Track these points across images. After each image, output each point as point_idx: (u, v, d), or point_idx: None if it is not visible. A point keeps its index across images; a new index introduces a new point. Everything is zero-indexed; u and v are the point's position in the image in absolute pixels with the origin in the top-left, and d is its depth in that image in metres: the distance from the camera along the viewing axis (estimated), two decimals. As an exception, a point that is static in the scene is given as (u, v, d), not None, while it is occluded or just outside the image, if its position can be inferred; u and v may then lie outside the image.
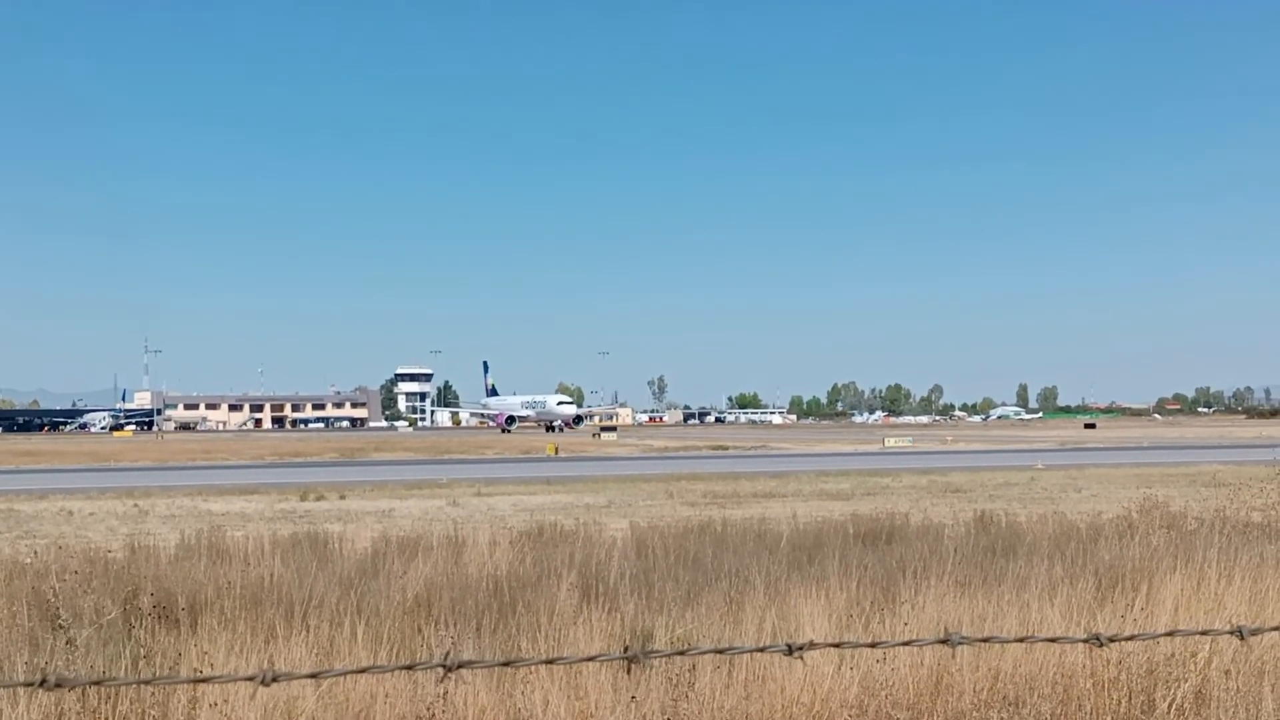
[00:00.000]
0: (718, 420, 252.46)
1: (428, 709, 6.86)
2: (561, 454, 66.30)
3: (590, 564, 13.19)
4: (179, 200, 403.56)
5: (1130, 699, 7.25)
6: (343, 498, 31.00)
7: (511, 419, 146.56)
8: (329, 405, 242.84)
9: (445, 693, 6.79)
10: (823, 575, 11.53)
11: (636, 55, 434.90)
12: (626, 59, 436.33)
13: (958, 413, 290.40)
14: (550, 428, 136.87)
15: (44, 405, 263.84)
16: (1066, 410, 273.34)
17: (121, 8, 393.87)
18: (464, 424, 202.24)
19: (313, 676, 3.10)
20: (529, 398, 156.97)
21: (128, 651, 8.26)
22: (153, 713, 6.78)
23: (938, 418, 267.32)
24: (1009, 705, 7.16)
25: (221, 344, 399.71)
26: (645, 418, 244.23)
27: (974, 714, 7.16)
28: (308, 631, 9.24)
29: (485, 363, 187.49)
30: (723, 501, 28.76)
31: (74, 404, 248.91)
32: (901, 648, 7.08)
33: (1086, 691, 7.27)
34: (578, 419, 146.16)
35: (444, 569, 13.03)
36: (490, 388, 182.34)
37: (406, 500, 30.53)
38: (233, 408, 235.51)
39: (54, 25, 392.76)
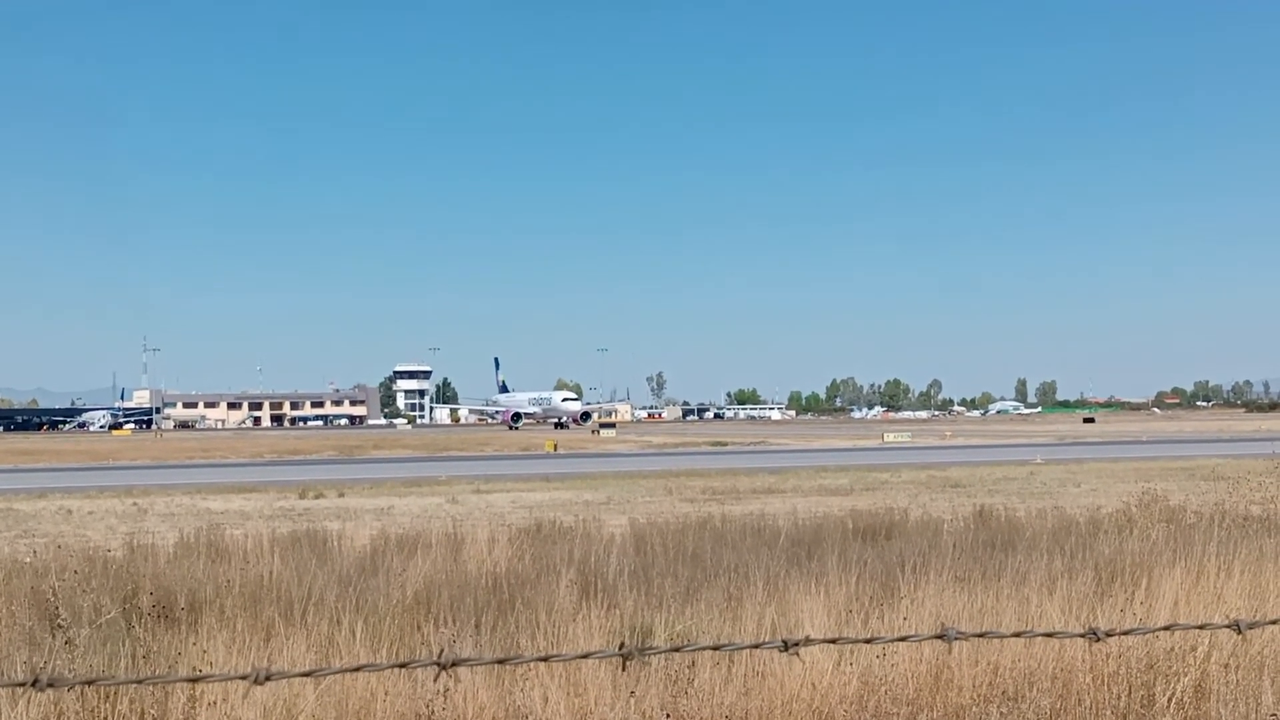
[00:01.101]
0: (716, 416, 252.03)
1: (427, 706, 6.85)
2: (560, 450, 66.31)
3: (589, 561, 13.19)
4: (177, 198, 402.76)
5: (1130, 693, 7.24)
6: (341, 495, 30.98)
7: (518, 415, 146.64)
8: (327, 403, 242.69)
9: (445, 690, 6.78)
10: (822, 571, 11.53)
11: (636, 54, 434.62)
12: (627, 57, 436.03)
13: (956, 408, 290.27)
14: (558, 424, 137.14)
15: (42, 404, 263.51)
16: (1065, 405, 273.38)
17: (120, 4, 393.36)
18: (463, 421, 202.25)
19: (307, 675, 3.10)
20: (535, 394, 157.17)
21: (126, 650, 8.24)
22: (152, 712, 6.77)
23: (936, 413, 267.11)
24: (1008, 700, 7.16)
25: (220, 342, 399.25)
26: (644, 414, 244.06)
27: (973, 709, 7.16)
28: (307, 630, 9.23)
29: (496, 359, 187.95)
30: (722, 498, 28.76)
31: (72, 403, 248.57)
32: (900, 643, 7.08)
33: (1086, 686, 7.26)
34: (584, 415, 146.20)
35: (443, 566, 13.03)
36: (501, 384, 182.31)
37: (405, 498, 30.52)
38: (231, 406, 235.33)
39: (52, 22, 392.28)
